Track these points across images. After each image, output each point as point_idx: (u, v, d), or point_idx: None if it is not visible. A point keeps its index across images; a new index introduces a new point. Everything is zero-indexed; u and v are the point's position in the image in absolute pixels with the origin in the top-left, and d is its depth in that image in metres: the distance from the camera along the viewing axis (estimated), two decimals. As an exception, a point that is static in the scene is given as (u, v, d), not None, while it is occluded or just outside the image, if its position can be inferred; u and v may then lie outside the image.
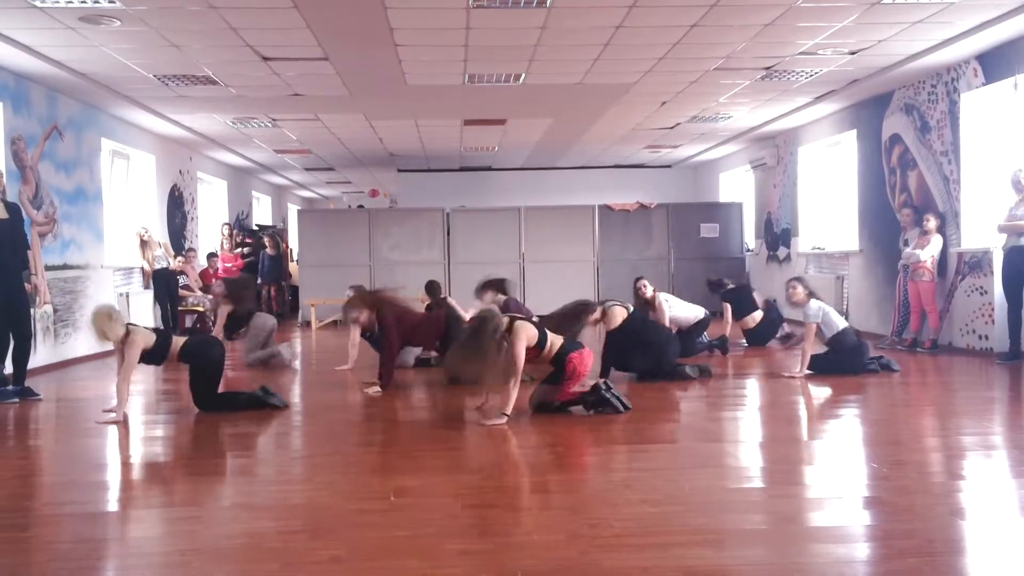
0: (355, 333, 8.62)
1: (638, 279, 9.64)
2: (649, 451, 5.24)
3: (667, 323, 9.04)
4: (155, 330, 6.63)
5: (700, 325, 9.53)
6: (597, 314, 7.73)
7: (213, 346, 6.76)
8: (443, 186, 19.03)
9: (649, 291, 9.40)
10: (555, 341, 6.18)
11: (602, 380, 6.36)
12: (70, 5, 7.07)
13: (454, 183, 19.15)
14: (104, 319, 6.32)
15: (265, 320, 9.64)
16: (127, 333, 6.32)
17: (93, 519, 4.06)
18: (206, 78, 9.72)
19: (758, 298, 10.68)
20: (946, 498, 4.10)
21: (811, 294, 8.11)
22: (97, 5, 7.09)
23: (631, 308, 7.99)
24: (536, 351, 6.09)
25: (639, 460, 4.98)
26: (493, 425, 5.78)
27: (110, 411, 6.39)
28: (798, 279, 8.34)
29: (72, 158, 10.22)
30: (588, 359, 6.28)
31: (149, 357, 6.45)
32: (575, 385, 6.24)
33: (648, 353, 7.73)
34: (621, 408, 6.14)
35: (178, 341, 6.56)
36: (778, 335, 10.43)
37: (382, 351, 7.63)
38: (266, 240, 16.40)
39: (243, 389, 7.05)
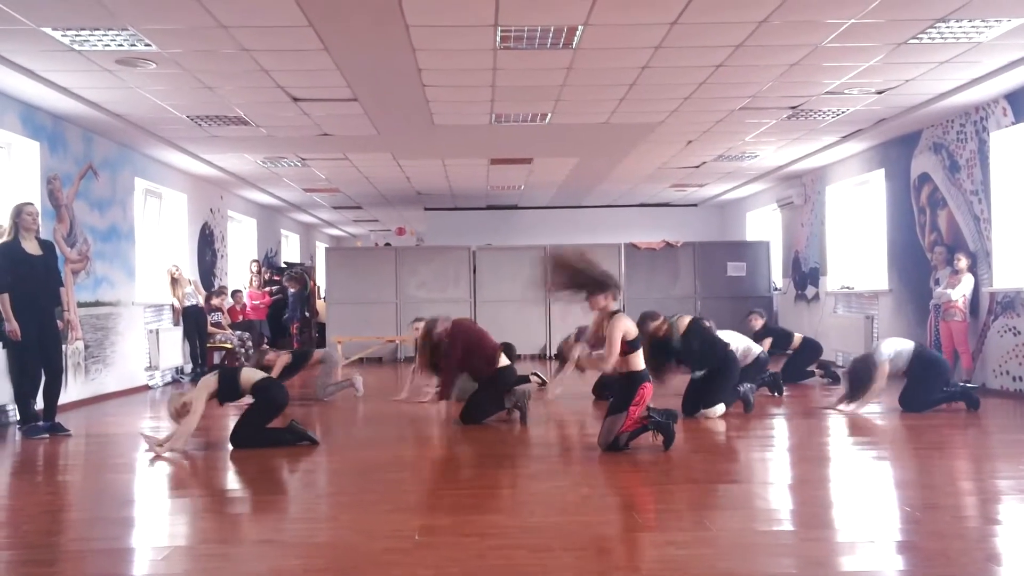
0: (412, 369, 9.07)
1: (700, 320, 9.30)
2: (676, 491, 5.17)
3: None
4: (220, 370, 6.94)
5: (757, 363, 9.38)
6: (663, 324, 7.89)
7: (282, 391, 6.92)
8: (469, 224, 19.14)
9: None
10: (639, 356, 6.20)
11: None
12: (107, 48, 7.24)
13: (480, 221, 19.25)
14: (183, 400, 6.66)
15: (334, 354, 9.98)
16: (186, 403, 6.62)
17: (120, 555, 4.07)
18: (238, 118, 9.90)
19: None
20: (981, 543, 4.00)
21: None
22: (133, 48, 7.26)
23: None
24: (627, 347, 6.11)
25: (666, 501, 4.92)
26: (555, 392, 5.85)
27: (155, 441, 6.55)
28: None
29: (106, 197, 10.41)
30: (651, 392, 6.32)
31: (221, 395, 6.75)
32: (639, 412, 6.19)
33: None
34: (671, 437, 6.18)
35: (249, 376, 6.80)
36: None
37: (443, 366, 7.83)
38: (286, 282, 16.48)
39: (274, 426, 7.08)
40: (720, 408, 7.90)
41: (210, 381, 6.74)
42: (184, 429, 6.49)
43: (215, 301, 13.07)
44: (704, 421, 7.65)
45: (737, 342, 8.89)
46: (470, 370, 7.89)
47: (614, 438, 6.14)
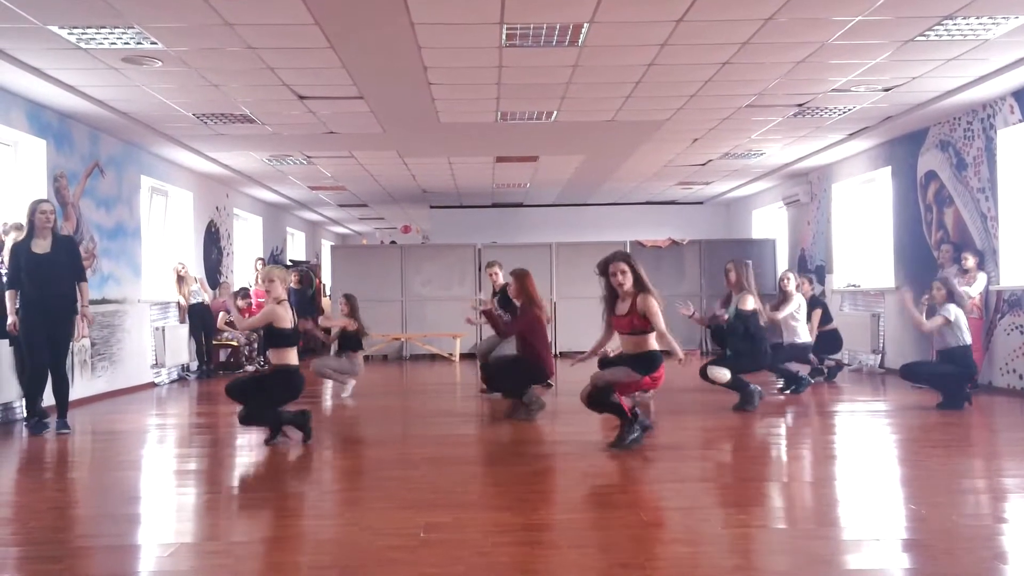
0: None
1: (787, 270, 10.01)
2: (681, 489, 5.17)
3: (779, 318, 9.30)
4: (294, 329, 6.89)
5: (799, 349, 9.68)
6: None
7: (301, 381, 6.81)
8: (475, 222, 19.14)
9: (792, 285, 9.55)
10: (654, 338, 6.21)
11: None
12: (113, 46, 7.26)
13: (486, 219, 19.26)
14: (281, 273, 6.89)
15: (361, 368, 9.95)
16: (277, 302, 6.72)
17: (126, 552, 4.08)
18: (243, 116, 9.91)
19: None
20: (988, 541, 3.99)
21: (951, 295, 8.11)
22: (139, 46, 7.28)
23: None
24: (648, 327, 6.11)
25: (671, 498, 4.92)
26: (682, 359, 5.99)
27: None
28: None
29: (112, 195, 10.43)
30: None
31: (270, 335, 6.67)
32: (652, 388, 6.36)
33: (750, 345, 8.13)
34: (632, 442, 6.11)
35: (290, 352, 6.69)
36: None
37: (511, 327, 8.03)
38: (292, 275, 16.43)
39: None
40: (726, 373, 7.88)
41: (284, 314, 6.65)
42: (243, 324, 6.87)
43: (240, 303, 13.00)
44: (707, 422, 7.62)
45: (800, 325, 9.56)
46: (526, 341, 7.89)
47: (608, 388, 6.07)
